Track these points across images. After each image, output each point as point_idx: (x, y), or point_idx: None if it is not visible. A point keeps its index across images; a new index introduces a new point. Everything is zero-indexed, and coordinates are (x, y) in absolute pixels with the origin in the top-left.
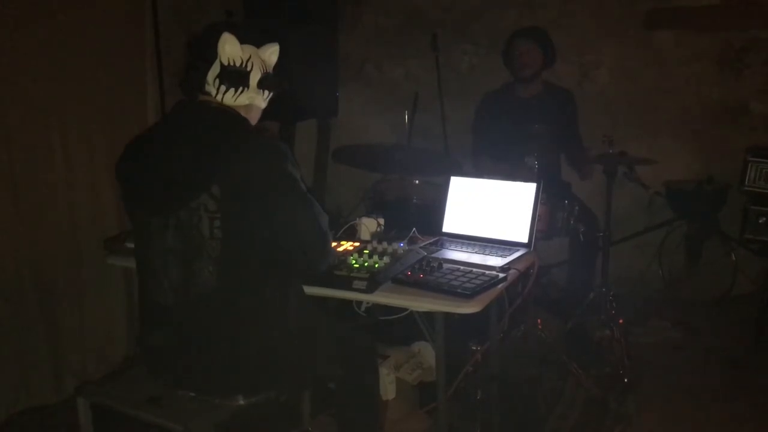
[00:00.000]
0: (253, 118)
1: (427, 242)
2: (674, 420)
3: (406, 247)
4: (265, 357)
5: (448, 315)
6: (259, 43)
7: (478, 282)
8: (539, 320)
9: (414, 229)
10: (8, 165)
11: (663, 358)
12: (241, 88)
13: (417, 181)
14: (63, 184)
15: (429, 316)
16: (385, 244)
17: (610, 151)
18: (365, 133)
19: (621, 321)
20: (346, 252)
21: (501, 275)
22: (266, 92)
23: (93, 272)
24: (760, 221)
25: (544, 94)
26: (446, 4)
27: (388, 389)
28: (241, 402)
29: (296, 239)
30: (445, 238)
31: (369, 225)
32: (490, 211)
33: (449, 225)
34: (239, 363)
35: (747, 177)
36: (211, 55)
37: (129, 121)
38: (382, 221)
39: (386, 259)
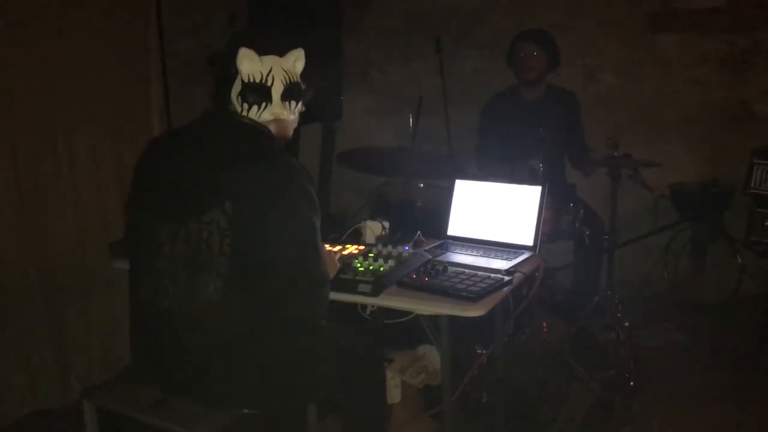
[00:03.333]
0: (285, 129)
1: (432, 245)
2: (680, 423)
3: (411, 251)
4: (265, 374)
5: (453, 318)
6: (282, 52)
7: (483, 285)
8: (544, 323)
9: (419, 232)
10: (14, 170)
11: (668, 361)
12: (264, 104)
13: (421, 185)
14: (68, 189)
15: (434, 319)
16: (389, 248)
17: (615, 153)
18: (369, 137)
19: (626, 324)
20: (351, 255)
21: (506, 278)
22: (293, 104)
23: (99, 276)
24: (766, 224)
25: (548, 96)
26: (449, 8)
27: (392, 393)
28: (246, 411)
29: (291, 263)
30: (449, 241)
31: (374, 228)
32: (494, 214)
33: (454, 228)
34: (239, 378)
35: (752, 179)
36: (232, 72)
37: (134, 125)
38: (386, 224)
39: (391, 262)
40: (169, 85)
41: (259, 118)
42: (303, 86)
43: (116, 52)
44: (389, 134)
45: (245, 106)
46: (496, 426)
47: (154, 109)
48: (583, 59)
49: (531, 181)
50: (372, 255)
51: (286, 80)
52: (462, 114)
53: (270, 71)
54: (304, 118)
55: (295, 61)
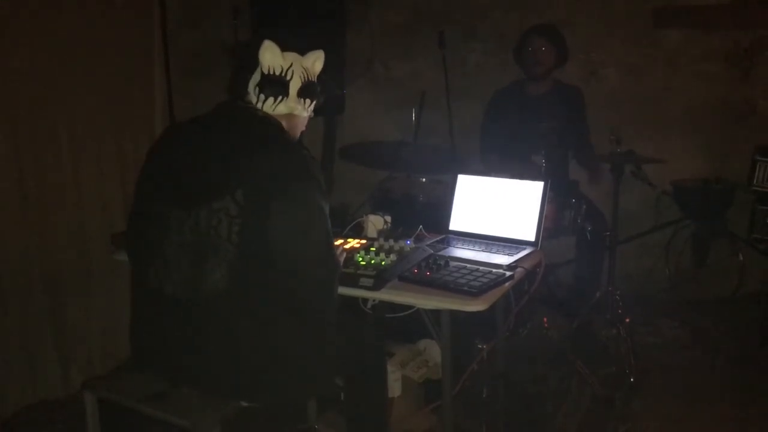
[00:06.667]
0: (295, 127)
1: (434, 240)
2: (680, 420)
3: (413, 245)
4: (266, 364)
5: (454, 313)
6: (303, 51)
7: (484, 280)
8: (545, 319)
9: (420, 226)
10: (16, 163)
11: (669, 358)
12: (280, 97)
13: (424, 179)
14: (71, 182)
15: (435, 313)
16: (391, 242)
17: (618, 150)
18: (372, 131)
19: (627, 320)
20: (353, 249)
21: (508, 273)
22: (307, 101)
23: (100, 268)
24: None
25: (553, 91)
26: (453, 2)
27: (393, 387)
28: (244, 404)
29: (303, 255)
30: (451, 236)
31: (376, 222)
32: (497, 209)
33: (456, 223)
34: (241, 367)
35: (755, 177)
36: (253, 63)
37: (136, 118)
38: (389, 219)
39: (393, 256)
40: (171, 79)
41: (273, 111)
42: (319, 88)
43: (119, 46)
44: (392, 128)
45: (261, 97)
46: (496, 421)
47: (157, 103)
48: (586, 55)
49: (534, 176)
50: (374, 249)
51: (304, 77)
52: (465, 108)
53: (290, 66)
54: None
55: (315, 62)
